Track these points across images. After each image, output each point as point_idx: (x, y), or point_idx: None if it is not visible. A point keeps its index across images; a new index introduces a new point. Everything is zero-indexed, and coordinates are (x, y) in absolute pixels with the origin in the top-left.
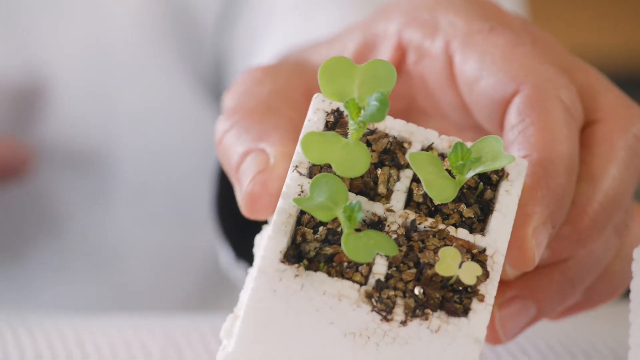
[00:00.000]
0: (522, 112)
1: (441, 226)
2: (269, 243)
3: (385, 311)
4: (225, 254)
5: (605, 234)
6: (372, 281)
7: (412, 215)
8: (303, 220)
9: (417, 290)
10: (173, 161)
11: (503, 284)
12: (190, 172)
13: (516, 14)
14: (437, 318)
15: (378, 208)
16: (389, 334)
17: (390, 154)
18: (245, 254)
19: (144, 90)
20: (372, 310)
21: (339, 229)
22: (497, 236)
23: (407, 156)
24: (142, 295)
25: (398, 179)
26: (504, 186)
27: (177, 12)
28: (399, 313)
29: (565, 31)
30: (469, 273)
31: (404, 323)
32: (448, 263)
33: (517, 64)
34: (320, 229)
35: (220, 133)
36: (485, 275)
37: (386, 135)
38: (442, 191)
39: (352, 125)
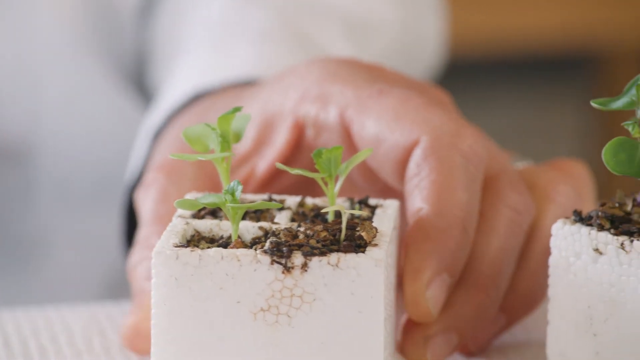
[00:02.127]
0: (419, 164)
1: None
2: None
3: (285, 257)
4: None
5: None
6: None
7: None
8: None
9: (313, 241)
10: (97, 150)
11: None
12: (114, 159)
13: (398, 72)
14: (335, 254)
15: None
16: (295, 292)
17: None
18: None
19: (68, 79)
20: (272, 262)
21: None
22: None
23: None
24: (68, 285)
25: None
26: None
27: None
28: (297, 256)
29: (501, 13)
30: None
31: (304, 267)
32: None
33: (410, 119)
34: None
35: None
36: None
37: None
38: None
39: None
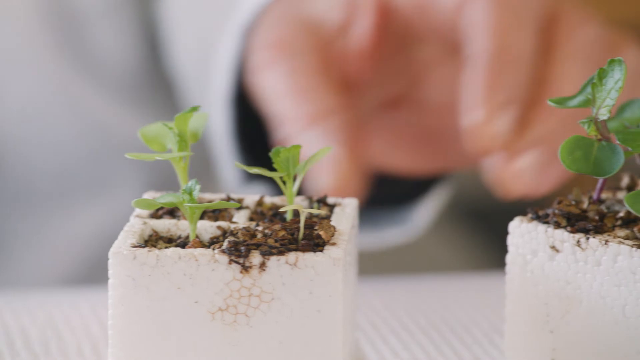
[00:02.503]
0: (474, 6)
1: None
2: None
3: (243, 257)
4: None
5: None
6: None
7: None
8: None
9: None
10: (59, 149)
11: None
12: (76, 164)
13: None
14: (293, 253)
15: None
16: (254, 291)
17: None
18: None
19: (29, 80)
20: (230, 262)
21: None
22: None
23: None
24: (27, 283)
25: None
26: None
27: (61, 3)
28: (255, 256)
29: None
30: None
31: (262, 267)
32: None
33: None
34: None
35: None
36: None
37: None
38: None
39: None
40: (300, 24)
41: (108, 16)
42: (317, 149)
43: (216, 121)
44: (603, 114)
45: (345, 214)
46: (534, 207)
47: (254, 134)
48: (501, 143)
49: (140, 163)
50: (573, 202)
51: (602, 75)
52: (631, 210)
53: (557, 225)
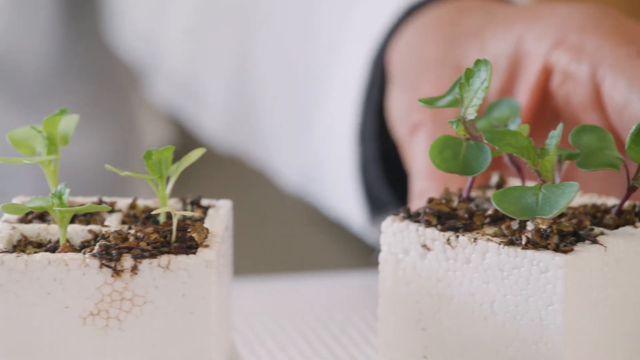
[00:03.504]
0: None
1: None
2: None
3: (114, 260)
4: (360, 218)
5: None
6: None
7: None
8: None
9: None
10: None
11: None
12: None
13: None
14: (166, 256)
15: None
16: (125, 295)
17: None
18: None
19: None
20: (101, 266)
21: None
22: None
23: None
24: None
25: None
26: None
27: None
28: (127, 259)
29: None
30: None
31: (134, 270)
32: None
33: None
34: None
35: None
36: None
37: None
38: None
39: None
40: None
41: None
42: None
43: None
44: (470, 114)
45: (219, 215)
46: (406, 207)
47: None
48: None
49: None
50: (443, 201)
51: (469, 75)
52: (498, 208)
53: (428, 224)
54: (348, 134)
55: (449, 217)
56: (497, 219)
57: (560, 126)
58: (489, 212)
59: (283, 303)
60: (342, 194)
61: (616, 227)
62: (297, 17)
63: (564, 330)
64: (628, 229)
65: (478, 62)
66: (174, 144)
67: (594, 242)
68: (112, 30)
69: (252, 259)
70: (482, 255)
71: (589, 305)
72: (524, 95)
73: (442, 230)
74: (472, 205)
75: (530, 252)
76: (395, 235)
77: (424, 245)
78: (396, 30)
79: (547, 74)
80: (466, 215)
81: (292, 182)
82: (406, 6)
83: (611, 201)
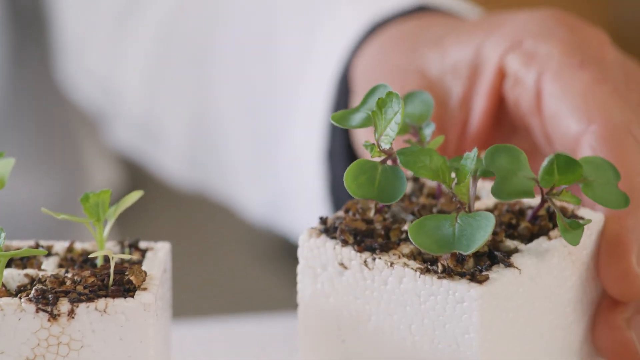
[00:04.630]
0: (595, 148)
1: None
2: None
3: (51, 305)
4: None
5: None
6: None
7: None
8: None
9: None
10: None
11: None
12: None
13: (617, 51)
14: (103, 300)
15: None
16: (62, 339)
17: None
18: None
19: None
20: (38, 310)
21: None
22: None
23: None
24: None
25: None
26: None
27: None
28: (64, 303)
29: None
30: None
31: (71, 314)
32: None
33: (594, 102)
34: None
35: None
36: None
37: None
38: None
39: None
40: (421, 85)
41: None
42: None
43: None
44: (385, 143)
45: (158, 258)
46: (324, 217)
47: None
48: None
49: None
50: (360, 211)
51: (380, 104)
52: (414, 243)
53: (345, 243)
54: (315, 157)
55: (366, 235)
56: None
57: (475, 149)
58: (405, 227)
59: (223, 345)
60: (310, 218)
61: (530, 237)
62: (257, 48)
63: (481, 357)
64: (542, 241)
65: (390, 94)
66: (124, 186)
67: (509, 265)
68: (66, 74)
69: (200, 299)
70: (399, 280)
71: (504, 326)
72: (481, 99)
73: (359, 250)
74: (388, 217)
75: (446, 282)
76: (312, 250)
77: (342, 264)
78: (359, 48)
79: (501, 77)
80: (382, 232)
81: (257, 214)
82: (369, 24)
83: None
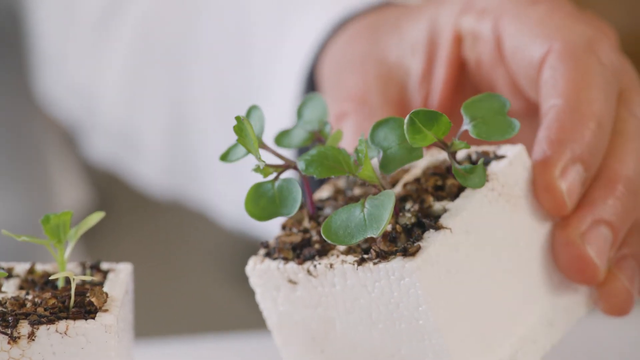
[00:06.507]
0: (554, 66)
1: None
2: None
3: (10, 327)
4: None
5: None
6: None
7: None
8: None
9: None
10: None
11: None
12: None
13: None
14: (64, 322)
15: None
16: None
17: None
18: None
19: None
20: None
21: None
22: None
23: None
24: None
25: None
26: None
27: None
28: (24, 326)
29: None
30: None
31: (31, 336)
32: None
33: (553, 25)
34: None
35: None
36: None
37: None
38: None
39: None
40: (380, 72)
41: None
42: None
43: None
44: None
45: (119, 279)
46: (264, 242)
47: None
48: (574, 201)
49: None
50: (293, 228)
51: (240, 128)
52: (328, 241)
53: (286, 260)
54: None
55: (303, 245)
56: None
57: (362, 134)
58: None
59: None
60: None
61: (458, 192)
62: (231, 50)
63: (441, 323)
64: (468, 193)
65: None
66: (92, 205)
67: (438, 228)
68: (44, 87)
69: (170, 318)
70: (343, 278)
71: (455, 286)
72: (440, 69)
73: (300, 263)
74: (321, 219)
75: (382, 265)
76: (261, 276)
77: (290, 280)
78: (326, 44)
79: (458, 42)
80: (319, 238)
81: (233, 218)
82: (336, 21)
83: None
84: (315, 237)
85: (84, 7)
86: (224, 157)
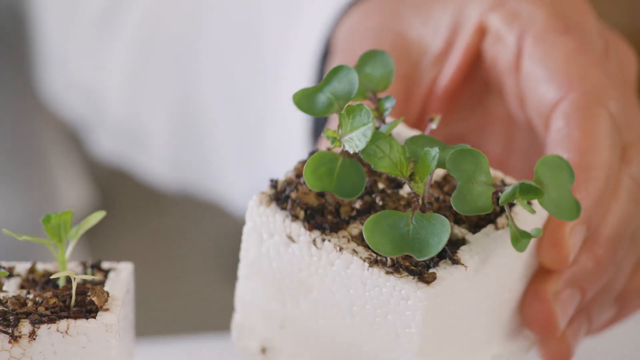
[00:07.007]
0: (568, 116)
1: None
2: None
3: (12, 326)
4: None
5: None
6: None
7: None
8: None
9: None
10: None
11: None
12: None
13: (597, 19)
14: (65, 321)
15: None
16: None
17: None
18: None
19: None
20: None
21: None
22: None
23: None
24: None
25: None
26: None
27: None
28: (25, 325)
29: None
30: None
31: (32, 336)
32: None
33: (575, 70)
34: None
35: None
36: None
37: None
38: None
39: None
40: (397, 43)
41: None
42: None
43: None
44: (349, 145)
45: (120, 279)
46: (273, 180)
47: None
48: (573, 258)
49: None
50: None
51: (350, 111)
52: (369, 244)
53: (295, 218)
54: (302, 142)
55: (316, 211)
56: (363, 212)
57: (436, 149)
58: (357, 205)
59: None
60: None
61: (478, 220)
62: (240, 39)
63: (419, 350)
64: (489, 231)
65: (360, 107)
66: (94, 203)
67: (456, 262)
68: (48, 86)
69: (171, 317)
70: (346, 264)
71: (445, 319)
72: (456, 55)
73: (309, 229)
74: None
75: (393, 279)
76: (261, 217)
77: (290, 237)
78: (342, 18)
79: (481, 34)
80: (333, 210)
81: (242, 208)
82: (344, 3)
83: None
84: (330, 207)
85: (87, 3)
86: (299, 98)
